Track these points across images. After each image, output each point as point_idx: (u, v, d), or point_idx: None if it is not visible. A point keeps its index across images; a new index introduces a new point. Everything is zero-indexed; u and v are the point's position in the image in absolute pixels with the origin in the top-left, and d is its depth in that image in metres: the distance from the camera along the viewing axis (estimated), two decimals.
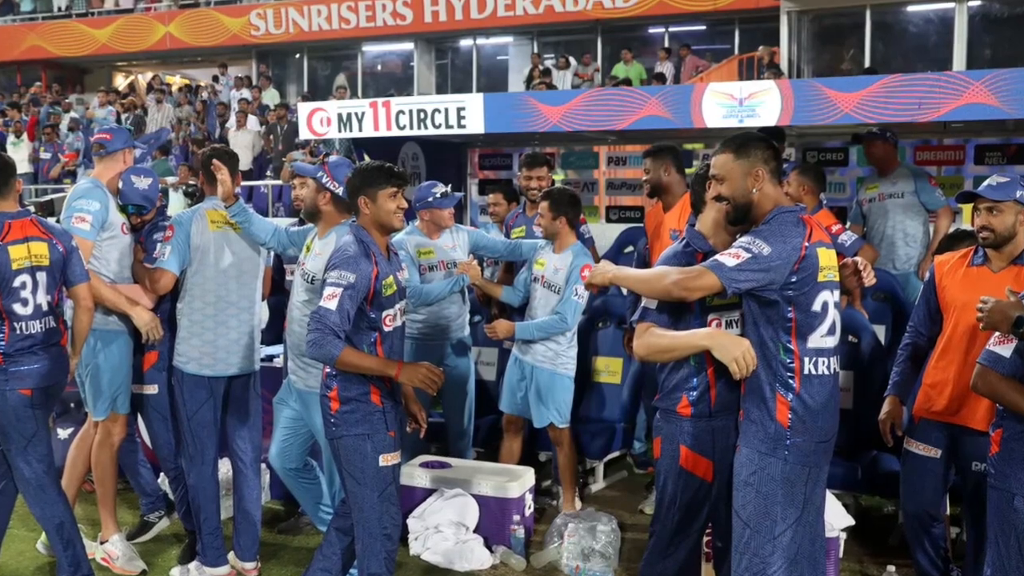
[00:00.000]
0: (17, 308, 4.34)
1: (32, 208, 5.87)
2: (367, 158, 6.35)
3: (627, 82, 15.87)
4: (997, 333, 3.43)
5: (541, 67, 18.51)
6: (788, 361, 3.28)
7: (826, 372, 3.33)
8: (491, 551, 5.09)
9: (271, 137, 16.48)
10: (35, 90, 23.19)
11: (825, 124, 5.74)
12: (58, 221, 4.85)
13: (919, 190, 6.57)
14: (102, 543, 5.16)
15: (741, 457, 3.37)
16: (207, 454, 4.84)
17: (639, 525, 5.47)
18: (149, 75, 25.50)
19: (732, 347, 3.26)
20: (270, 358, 5.78)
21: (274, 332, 6.34)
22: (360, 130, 6.60)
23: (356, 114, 6.59)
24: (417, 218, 5.78)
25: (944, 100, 5.14)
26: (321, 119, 6.76)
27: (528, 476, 5.35)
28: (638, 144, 8.86)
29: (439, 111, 6.35)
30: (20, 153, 18.40)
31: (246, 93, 19.73)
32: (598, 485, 6.27)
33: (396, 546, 4.03)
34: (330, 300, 3.76)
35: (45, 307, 4.43)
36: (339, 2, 21.55)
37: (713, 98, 5.60)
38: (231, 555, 4.98)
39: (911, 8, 18.32)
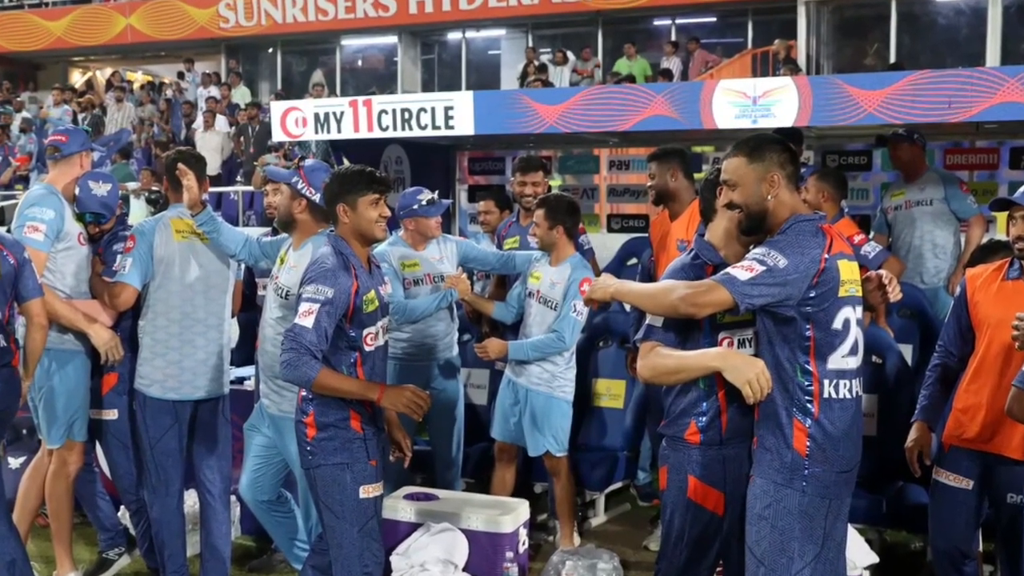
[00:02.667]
0: None
1: None
2: (346, 162, 6.37)
3: (630, 79, 15.95)
4: None
5: (536, 63, 18.54)
6: (806, 384, 3.29)
7: (848, 396, 3.34)
8: None
9: (242, 139, 16.50)
10: None
11: (847, 125, 5.77)
12: (9, 231, 4.86)
13: (949, 197, 6.60)
14: None
15: (755, 488, 3.37)
16: (171, 485, 4.84)
17: (643, 563, 5.47)
18: (108, 71, 25.48)
19: (745, 368, 3.26)
20: (240, 380, 5.77)
21: (245, 352, 6.33)
22: (339, 131, 6.62)
23: (334, 114, 6.61)
24: (401, 227, 5.79)
25: (976, 99, 5.17)
26: (296, 119, 6.78)
27: (522, 509, 5.34)
28: (642, 147, 8.91)
29: (425, 111, 6.37)
30: None
31: (214, 91, 19.76)
32: (599, 519, 6.27)
33: None
34: (306, 317, 3.77)
35: None
36: None
37: (724, 96, 5.63)
38: None
39: None
